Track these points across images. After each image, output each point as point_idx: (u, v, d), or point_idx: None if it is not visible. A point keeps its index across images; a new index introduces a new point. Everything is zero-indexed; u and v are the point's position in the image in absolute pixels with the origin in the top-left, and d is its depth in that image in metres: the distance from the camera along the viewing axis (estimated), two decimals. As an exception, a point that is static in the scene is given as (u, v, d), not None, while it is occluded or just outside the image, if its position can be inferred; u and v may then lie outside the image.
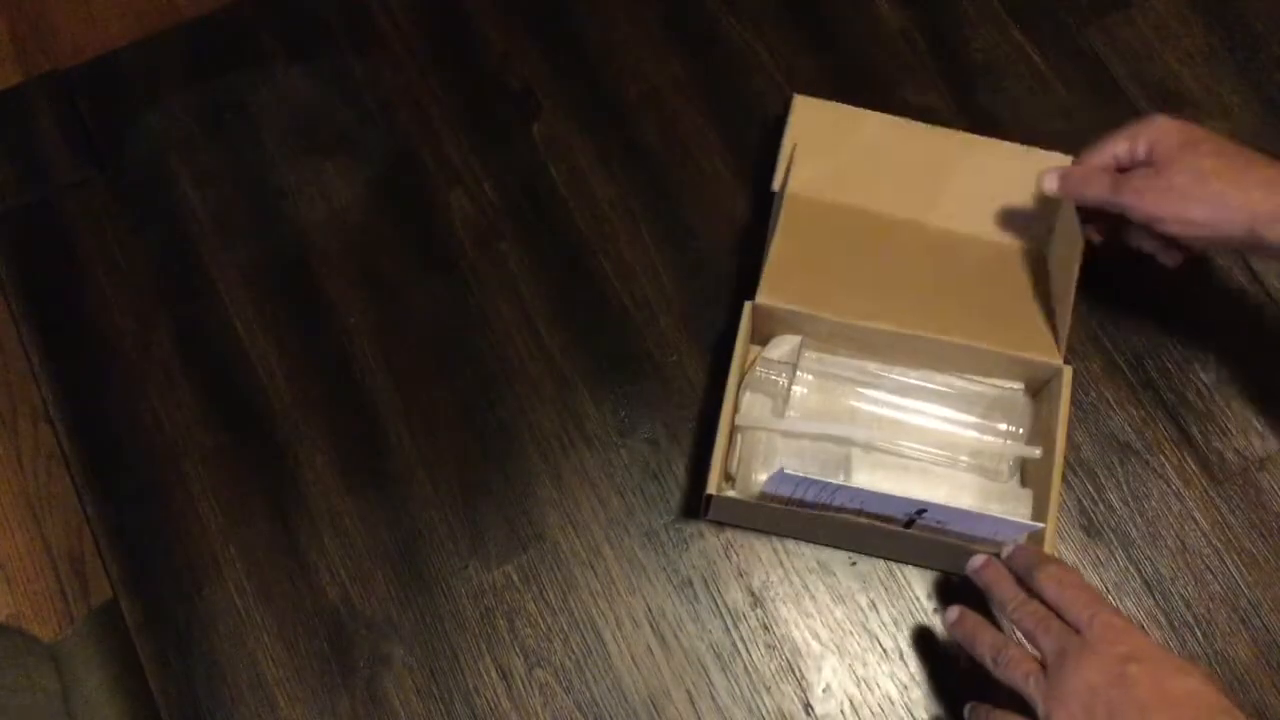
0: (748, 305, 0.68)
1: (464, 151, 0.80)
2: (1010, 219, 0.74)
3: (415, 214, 0.79)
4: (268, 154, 0.80)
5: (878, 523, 0.65)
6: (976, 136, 0.75)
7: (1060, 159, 0.72)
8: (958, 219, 0.74)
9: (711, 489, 0.64)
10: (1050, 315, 0.70)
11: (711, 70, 0.82)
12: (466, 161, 0.80)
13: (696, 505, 0.71)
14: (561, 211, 0.78)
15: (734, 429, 0.69)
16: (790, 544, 0.70)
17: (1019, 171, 0.73)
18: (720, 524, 0.71)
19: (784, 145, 0.74)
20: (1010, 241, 0.74)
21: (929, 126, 0.75)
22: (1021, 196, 0.74)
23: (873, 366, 0.71)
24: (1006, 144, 0.74)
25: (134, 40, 0.83)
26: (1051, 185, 0.69)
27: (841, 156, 0.74)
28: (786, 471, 0.60)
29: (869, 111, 0.75)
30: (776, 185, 0.73)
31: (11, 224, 0.78)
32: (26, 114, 0.81)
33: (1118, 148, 0.67)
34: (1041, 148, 0.73)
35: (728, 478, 0.68)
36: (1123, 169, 0.68)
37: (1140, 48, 0.82)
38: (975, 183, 0.74)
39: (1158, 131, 0.66)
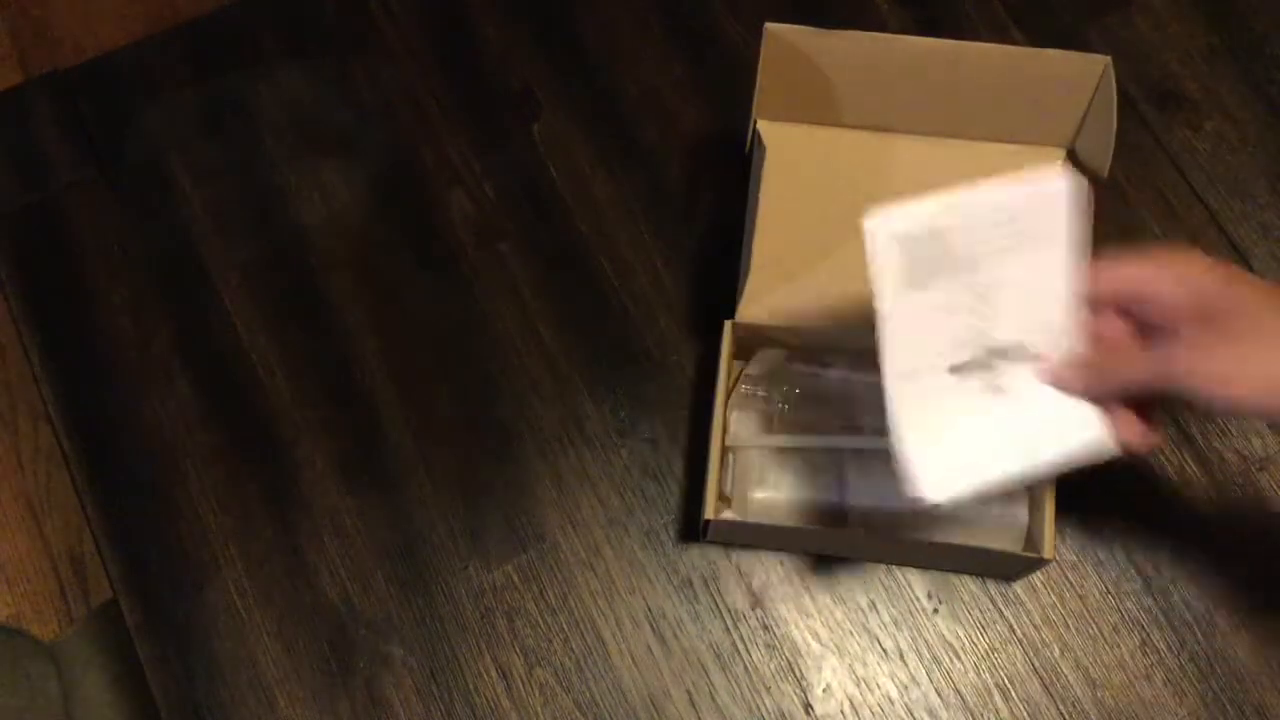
0: (728, 325, 0.68)
1: (464, 151, 0.80)
2: (1021, 121, 0.72)
3: (415, 214, 0.79)
4: (268, 154, 0.80)
5: (878, 532, 0.65)
6: (966, 43, 0.70)
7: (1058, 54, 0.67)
8: (960, 129, 0.73)
9: (709, 514, 0.64)
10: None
11: (711, 70, 0.82)
12: (466, 161, 0.80)
13: (694, 528, 0.71)
14: (561, 211, 0.78)
15: (725, 449, 0.68)
16: (790, 544, 0.70)
17: (1022, 70, 0.69)
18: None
19: (758, 77, 0.71)
20: (1024, 146, 0.73)
21: (913, 38, 0.70)
22: (1029, 96, 0.71)
23: (859, 375, 0.71)
24: (1003, 46, 0.71)
25: (134, 40, 0.83)
26: (1075, 383, 0.53)
27: (821, 81, 0.72)
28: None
29: (846, 31, 0.69)
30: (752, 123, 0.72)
31: (11, 224, 0.79)
32: (27, 114, 0.81)
33: (1144, 274, 0.50)
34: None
35: (723, 498, 0.68)
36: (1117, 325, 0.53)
37: (1140, 48, 0.82)
38: (977, 88, 0.71)
39: (1197, 269, 0.49)
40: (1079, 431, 0.54)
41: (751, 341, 0.70)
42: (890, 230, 0.55)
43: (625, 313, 0.76)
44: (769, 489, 0.67)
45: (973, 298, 0.55)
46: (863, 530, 0.66)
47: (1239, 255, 0.77)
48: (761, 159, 0.72)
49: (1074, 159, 0.73)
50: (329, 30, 0.84)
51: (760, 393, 0.69)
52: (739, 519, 0.67)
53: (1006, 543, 0.66)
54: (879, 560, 0.70)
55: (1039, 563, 0.64)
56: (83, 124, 0.81)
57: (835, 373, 0.71)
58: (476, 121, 0.81)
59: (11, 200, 0.79)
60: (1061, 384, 0.53)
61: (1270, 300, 0.48)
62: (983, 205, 0.55)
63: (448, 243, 0.78)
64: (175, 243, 0.78)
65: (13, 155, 0.80)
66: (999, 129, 0.73)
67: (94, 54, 0.83)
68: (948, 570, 0.70)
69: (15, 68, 1.53)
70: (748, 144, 0.75)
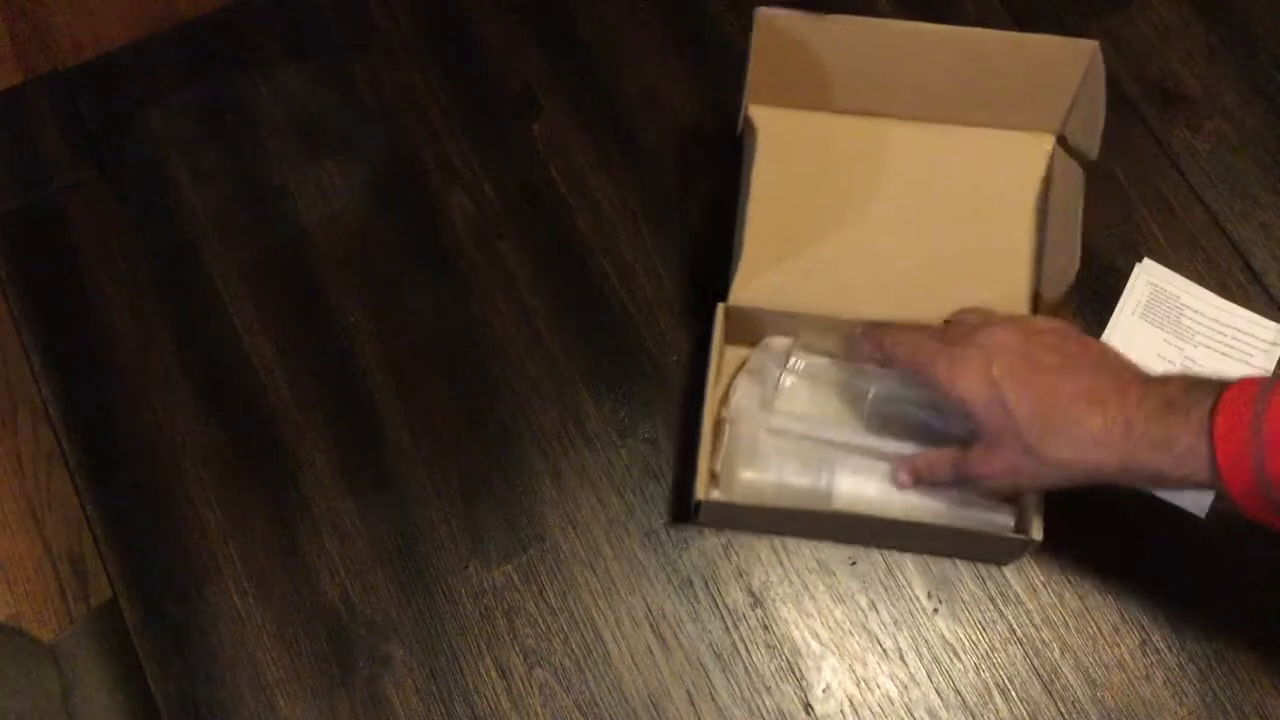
0: (720, 307, 0.68)
1: (464, 151, 0.80)
2: (1012, 106, 0.73)
3: (415, 214, 0.79)
4: (268, 154, 0.80)
5: (872, 514, 0.65)
6: (957, 28, 0.71)
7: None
8: (951, 113, 0.73)
9: (700, 494, 0.64)
10: (1037, 278, 0.71)
11: (711, 70, 0.82)
12: (466, 161, 0.80)
13: (684, 509, 0.71)
14: (561, 211, 0.78)
15: (719, 424, 0.68)
16: (790, 544, 0.70)
17: (1013, 55, 0.70)
18: (720, 524, 0.71)
19: (750, 63, 0.71)
20: (1015, 132, 0.74)
21: (905, 22, 0.71)
22: (1020, 81, 0.72)
23: (861, 369, 0.71)
24: (993, 31, 0.72)
25: (134, 40, 0.83)
26: (905, 480, 0.66)
27: (813, 67, 0.72)
28: None
29: (839, 15, 0.71)
30: (743, 108, 0.73)
31: (11, 224, 0.78)
32: (26, 114, 0.81)
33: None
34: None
35: (712, 477, 0.68)
36: None
37: (1140, 48, 0.82)
38: (968, 72, 0.72)
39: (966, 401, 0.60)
40: None
41: (752, 327, 0.70)
42: (1154, 276, 0.75)
43: (625, 313, 0.76)
44: (757, 469, 0.67)
45: (1179, 359, 0.73)
46: (854, 513, 0.66)
47: (1239, 255, 0.77)
48: (753, 144, 0.72)
49: (1064, 144, 0.73)
50: (329, 30, 0.84)
51: (771, 366, 0.69)
52: (727, 500, 0.67)
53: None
54: (868, 543, 0.70)
55: (1027, 544, 0.64)
56: (83, 124, 0.81)
57: (837, 364, 0.71)
58: (476, 121, 0.81)
59: (11, 200, 0.79)
60: (901, 483, 0.67)
61: (1030, 407, 0.58)
62: (1222, 313, 0.74)
63: (448, 243, 0.78)
64: (175, 243, 0.78)
65: (13, 155, 0.80)
66: (990, 114, 0.74)
67: (94, 54, 0.83)
68: (938, 553, 0.69)
69: (15, 68, 1.53)
70: (738, 129, 0.75)
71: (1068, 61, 0.70)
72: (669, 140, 0.80)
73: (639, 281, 0.77)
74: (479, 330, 0.76)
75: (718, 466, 0.67)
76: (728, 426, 0.68)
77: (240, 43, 0.83)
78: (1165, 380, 0.56)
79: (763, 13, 0.69)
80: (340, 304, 0.76)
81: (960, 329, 0.62)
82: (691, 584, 0.70)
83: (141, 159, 0.80)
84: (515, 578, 0.70)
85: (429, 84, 0.82)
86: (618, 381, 0.74)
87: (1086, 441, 0.56)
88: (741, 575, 0.70)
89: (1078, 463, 0.56)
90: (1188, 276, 0.76)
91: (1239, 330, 0.74)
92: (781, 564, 0.70)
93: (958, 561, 0.70)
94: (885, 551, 0.70)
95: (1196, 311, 0.74)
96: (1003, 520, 0.66)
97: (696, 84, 0.82)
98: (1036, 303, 0.70)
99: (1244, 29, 0.82)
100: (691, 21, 0.83)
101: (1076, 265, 0.65)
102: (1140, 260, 0.75)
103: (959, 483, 0.64)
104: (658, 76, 0.82)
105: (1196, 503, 0.70)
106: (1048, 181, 0.73)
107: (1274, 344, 0.73)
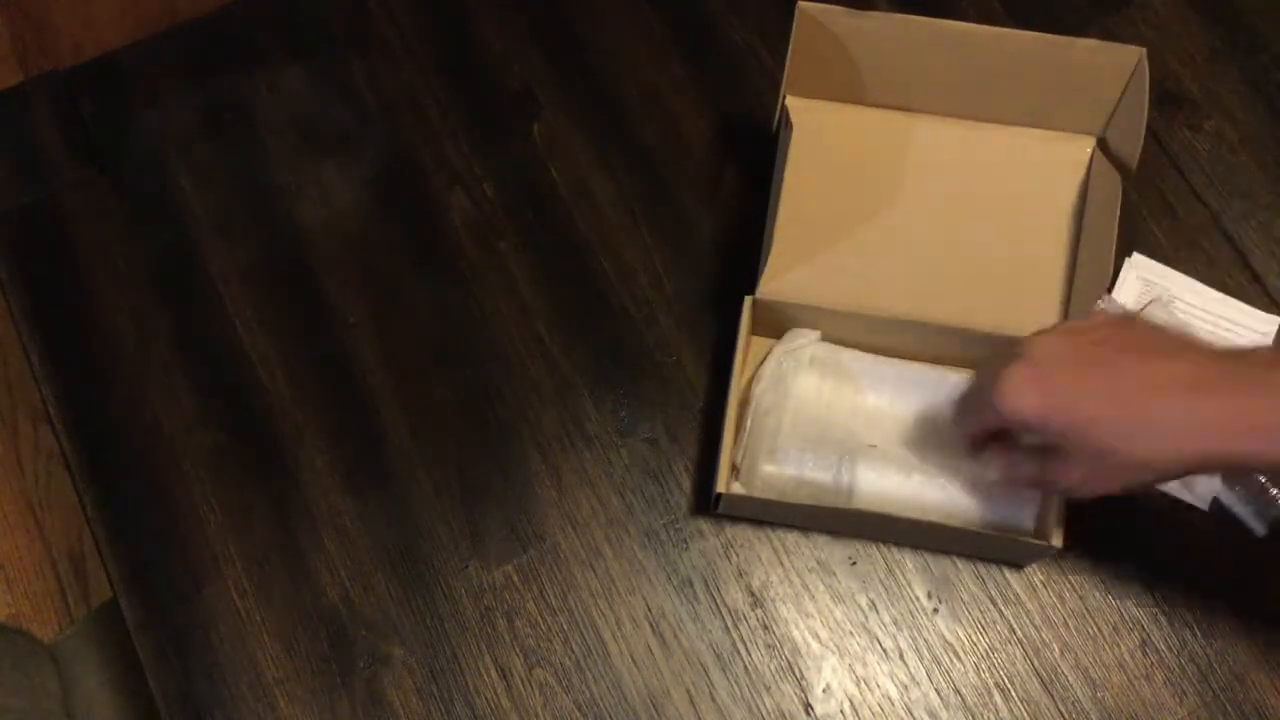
0: (748, 300, 0.68)
1: (464, 151, 0.80)
2: (1051, 107, 0.73)
3: (415, 214, 0.79)
4: (268, 154, 0.80)
5: (892, 514, 0.65)
6: (998, 29, 0.71)
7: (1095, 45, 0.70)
8: (988, 112, 0.73)
9: (721, 487, 0.64)
10: (1069, 282, 0.70)
11: (711, 70, 0.82)
12: (466, 161, 0.80)
13: (704, 501, 0.71)
14: (561, 211, 0.78)
15: (742, 416, 0.68)
16: (790, 544, 0.70)
17: (1054, 58, 0.70)
18: (720, 524, 0.71)
19: (789, 58, 0.72)
20: (1054, 133, 0.74)
21: (945, 21, 0.71)
22: (1060, 83, 0.72)
23: (883, 362, 0.71)
24: (1034, 34, 0.71)
25: (134, 40, 0.83)
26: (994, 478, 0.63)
27: (850, 60, 0.73)
28: None
29: (876, 12, 0.71)
30: (781, 96, 0.73)
31: (11, 224, 0.79)
32: (26, 114, 0.81)
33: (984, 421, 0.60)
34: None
35: (733, 468, 0.68)
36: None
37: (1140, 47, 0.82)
38: (1006, 72, 0.72)
39: (1030, 414, 0.55)
40: None
41: (777, 320, 0.70)
42: (1143, 271, 0.74)
43: (625, 313, 0.76)
44: (777, 463, 0.67)
45: None
46: (875, 512, 0.66)
47: (1239, 255, 0.77)
48: (788, 136, 0.72)
49: (1104, 148, 0.73)
50: (329, 30, 0.84)
51: (794, 358, 0.69)
52: (747, 493, 0.67)
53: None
54: (885, 540, 0.70)
55: (1046, 550, 0.64)
56: (83, 124, 0.81)
57: (860, 358, 0.71)
58: (476, 121, 0.81)
59: (11, 200, 0.79)
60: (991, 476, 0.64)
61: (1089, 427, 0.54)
62: (1213, 303, 0.74)
63: (448, 243, 0.78)
64: (175, 243, 0.78)
65: (13, 155, 0.80)
66: (1028, 115, 0.74)
67: (94, 54, 0.83)
68: (956, 553, 0.69)
69: (15, 68, 1.53)
70: (775, 121, 0.74)
71: (1111, 67, 0.70)
72: (669, 140, 0.80)
73: (639, 282, 0.77)
74: (479, 330, 0.76)
75: (739, 458, 0.67)
76: (749, 419, 0.68)
77: (240, 43, 0.83)
78: (1242, 355, 0.51)
79: (803, 6, 0.69)
80: (340, 304, 0.76)
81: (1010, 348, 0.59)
82: (691, 584, 0.70)
83: (141, 159, 0.80)
84: (515, 578, 0.70)
85: (429, 84, 0.82)
86: (618, 382, 0.74)
87: (1169, 433, 0.51)
88: (741, 575, 0.70)
89: (1160, 458, 0.52)
90: (1189, 276, 0.76)
91: (1232, 321, 0.74)
92: (781, 564, 0.70)
93: (958, 561, 0.70)
94: (885, 551, 0.70)
95: (1188, 304, 0.74)
96: (1024, 522, 0.66)
97: (696, 84, 0.82)
98: (1066, 310, 0.70)
99: (1244, 29, 0.82)
100: (691, 21, 0.83)
101: (1108, 278, 0.65)
102: (1129, 255, 0.75)
103: (1049, 492, 0.63)
104: (658, 76, 0.82)
105: (1199, 495, 0.70)
106: (1085, 185, 0.73)
107: (1266, 334, 0.73)
